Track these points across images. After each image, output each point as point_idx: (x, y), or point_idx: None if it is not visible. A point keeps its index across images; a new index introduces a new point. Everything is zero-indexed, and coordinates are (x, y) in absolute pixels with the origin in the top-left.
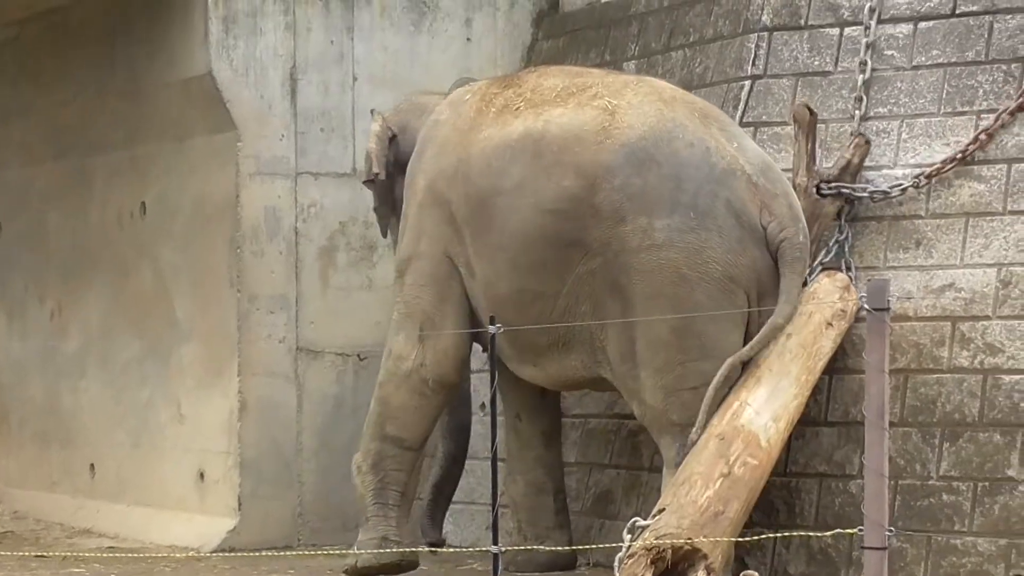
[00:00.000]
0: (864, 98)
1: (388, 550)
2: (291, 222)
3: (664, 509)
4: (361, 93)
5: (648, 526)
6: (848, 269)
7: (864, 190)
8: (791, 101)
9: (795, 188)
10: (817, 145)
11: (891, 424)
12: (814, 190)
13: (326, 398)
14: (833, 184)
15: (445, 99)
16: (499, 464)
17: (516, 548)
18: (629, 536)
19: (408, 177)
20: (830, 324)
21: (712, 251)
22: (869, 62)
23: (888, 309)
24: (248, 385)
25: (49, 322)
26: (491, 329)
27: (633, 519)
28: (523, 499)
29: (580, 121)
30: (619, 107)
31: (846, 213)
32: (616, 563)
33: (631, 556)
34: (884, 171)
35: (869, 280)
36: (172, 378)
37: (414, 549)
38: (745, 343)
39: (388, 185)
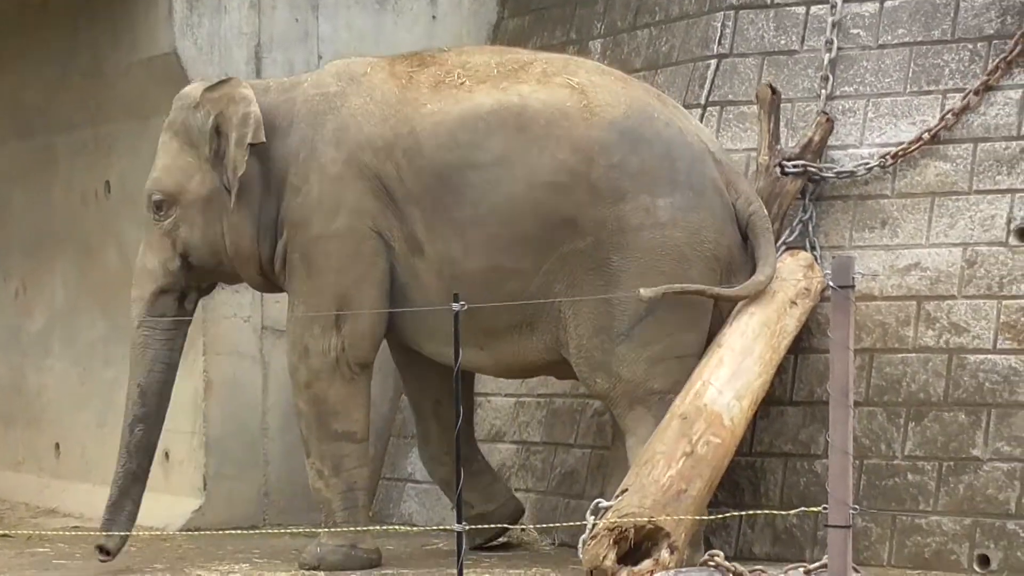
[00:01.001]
0: (830, 77)
1: (357, 556)
2: None
3: (627, 490)
4: None
5: (611, 507)
6: (812, 248)
7: (830, 170)
8: (757, 80)
9: (757, 167)
10: (782, 124)
11: (856, 404)
12: (776, 169)
13: None
14: (798, 163)
15: (325, 74)
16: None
17: (479, 527)
18: (592, 517)
19: (295, 155)
20: (794, 303)
21: (707, 231)
22: (835, 41)
23: (853, 286)
24: (213, 364)
25: (13, 301)
26: (455, 306)
27: (596, 500)
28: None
29: (558, 97)
30: (585, 86)
31: (810, 192)
32: (580, 544)
33: (594, 537)
34: (850, 150)
35: (834, 258)
36: None
37: (377, 548)
38: (719, 310)
39: (218, 165)
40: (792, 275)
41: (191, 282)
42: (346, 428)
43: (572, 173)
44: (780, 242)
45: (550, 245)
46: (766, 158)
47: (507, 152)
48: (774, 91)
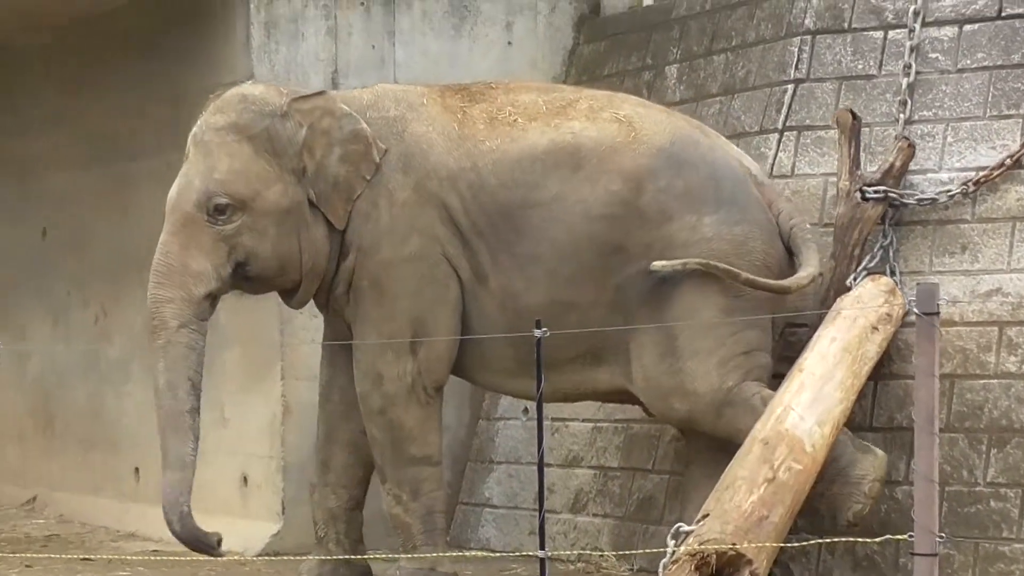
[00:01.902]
0: (908, 102)
1: None
2: None
3: (708, 515)
4: None
5: (692, 531)
6: (893, 273)
7: (911, 196)
8: (834, 105)
9: (838, 191)
10: (861, 149)
11: (938, 430)
12: (857, 194)
13: None
14: (879, 188)
15: (380, 96)
16: (545, 469)
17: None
18: (673, 542)
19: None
20: (875, 328)
21: (754, 242)
22: (913, 65)
23: (938, 313)
24: (291, 389)
25: (93, 327)
26: (536, 333)
27: (677, 525)
28: (343, 512)
29: (608, 132)
30: (632, 117)
31: (890, 217)
32: (660, 569)
33: (675, 562)
34: (929, 175)
35: (917, 284)
36: (215, 382)
37: (456, 572)
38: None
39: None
40: (873, 300)
41: (230, 289)
42: (423, 452)
43: (623, 202)
44: (861, 267)
45: (606, 276)
46: (847, 183)
47: (563, 190)
48: (854, 116)
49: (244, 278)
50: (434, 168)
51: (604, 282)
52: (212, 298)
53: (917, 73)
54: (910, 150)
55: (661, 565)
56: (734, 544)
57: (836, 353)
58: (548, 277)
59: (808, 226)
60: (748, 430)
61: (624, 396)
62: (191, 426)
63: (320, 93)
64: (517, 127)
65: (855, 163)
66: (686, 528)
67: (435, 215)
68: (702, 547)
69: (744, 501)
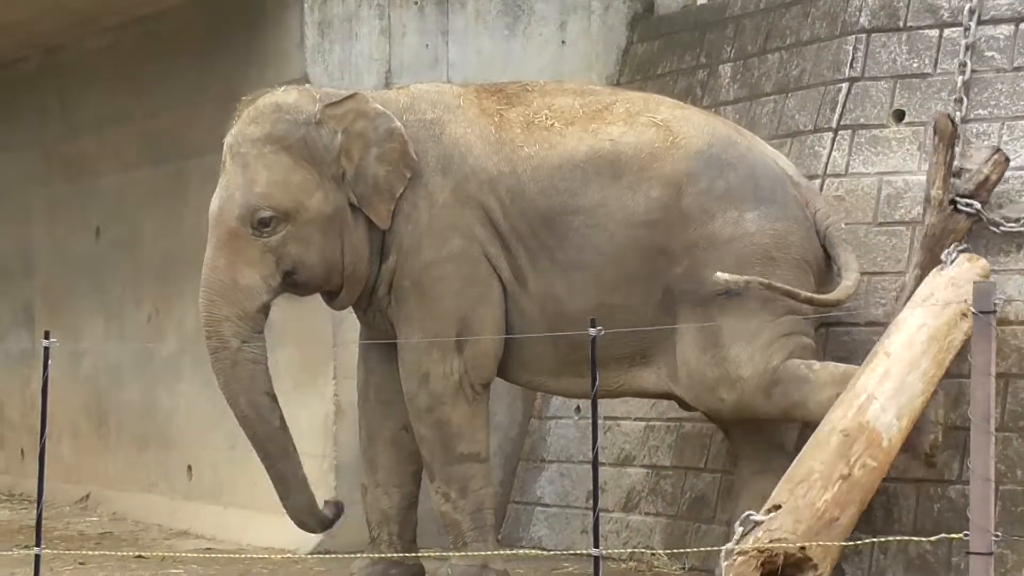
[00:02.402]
0: (964, 99)
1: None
2: None
3: (779, 506)
4: None
5: (762, 523)
6: None
7: (1003, 223)
8: (889, 104)
9: (929, 200)
10: (914, 147)
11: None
12: (949, 205)
13: None
14: (971, 203)
15: (416, 97)
16: (599, 468)
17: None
18: (741, 528)
19: (409, 182)
20: (965, 315)
21: (793, 237)
22: (969, 63)
23: (994, 312)
24: (344, 389)
25: (146, 325)
26: (591, 332)
27: (747, 513)
28: (397, 512)
29: (646, 138)
30: (669, 121)
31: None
32: (723, 554)
33: (742, 554)
34: None
35: (974, 284)
36: None
37: (506, 570)
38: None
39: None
40: (967, 285)
41: (279, 295)
42: (471, 449)
43: (665, 207)
44: (955, 247)
45: (653, 279)
46: (939, 192)
47: (605, 198)
48: (953, 123)
49: (292, 284)
50: (473, 170)
51: (651, 285)
52: (265, 308)
53: (973, 71)
54: (1005, 164)
55: (724, 550)
56: (803, 547)
57: (924, 341)
58: (593, 282)
59: (843, 226)
60: (803, 401)
61: (667, 395)
62: (289, 442)
63: (352, 96)
64: (554, 132)
65: (948, 171)
66: (756, 517)
67: (474, 216)
68: (771, 545)
69: (818, 499)
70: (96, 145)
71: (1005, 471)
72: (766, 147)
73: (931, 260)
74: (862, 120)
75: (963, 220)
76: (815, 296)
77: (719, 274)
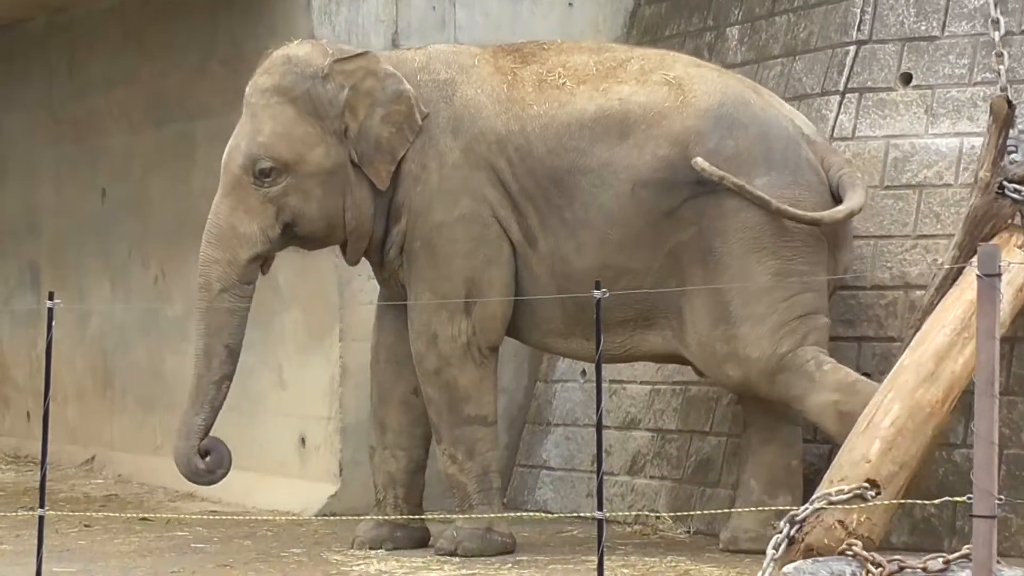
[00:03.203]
0: (1005, 53)
1: (492, 540)
2: None
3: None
4: None
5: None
6: None
7: None
8: (897, 67)
9: (977, 181)
10: (922, 110)
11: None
12: (996, 188)
13: None
14: (1019, 188)
15: (431, 58)
16: (604, 431)
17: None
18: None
19: (418, 144)
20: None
21: (805, 204)
22: (1001, 19)
23: (999, 275)
24: (349, 351)
25: (153, 287)
26: (596, 294)
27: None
28: (403, 475)
29: (657, 97)
30: (682, 79)
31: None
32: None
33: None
34: None
35: (979, 246)
36: (274, 343)
37: (512, 532)
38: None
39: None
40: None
41: (282, 248)
42: (478, 412)
43: (671, 167)
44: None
45: (658, 241)
46: (987, 174)
47: (612, 157)
48: (1011, 105)
49: (294, 237)
50: (482, 132)
51: (656, 247)
52: (261, 260)
53: (979, 36)
54: None
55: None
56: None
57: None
58: (599, 242)
59: (859, 175)
60: (802, 396)
61: (676, 359)
62: (213, 398)
63: (363, 53)
64: (565, 91)
65: (1000, 154)
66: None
67: (484, 178)
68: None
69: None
70: (103, 105)
71: (1010, 435)
72: (783, 106)
73: (971, 242)
74: (869, 83)
75: (1008, 205)
76: (786, 209)
77: (697, 160)
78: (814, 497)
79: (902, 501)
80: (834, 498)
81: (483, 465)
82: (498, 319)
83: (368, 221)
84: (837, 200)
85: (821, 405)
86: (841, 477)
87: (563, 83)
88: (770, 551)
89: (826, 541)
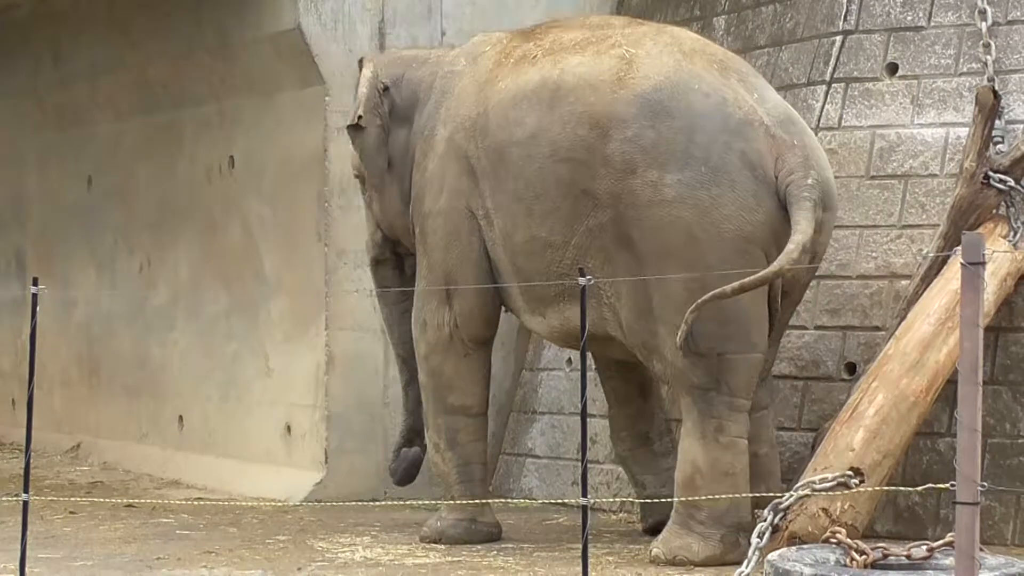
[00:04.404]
0: (991, 44)
1: (477, 530)
2: None
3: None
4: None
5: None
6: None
7: None
8: (883, 57)
9: (962, 171)
10: (907, 101)
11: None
12: (982, 178)
13: None
14: (1004, 179)
15: (462, 50)
16: (589, 419)
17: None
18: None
19: (423, 130)
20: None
21: (724, 208)
22: (989, 9)
23: (983, 263)
24: (335, 339)
25: (138, 275)
26: (581, 281)
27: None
28: (631, 453)
29: (597, 70)
30: (636, 56)
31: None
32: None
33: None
34: None
35: (963, 235)
36: (260, 332)
37: (497, 521)
38: (771, 299)
39: (380, 137)
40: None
41: (399, 251)
42: (461, 402)
43: (588, 148)
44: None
45: (575, 218)
46: (973, 164)
47: (538, 129)
48: (996, 95)
49: (389, 240)
50: (462, 120)
51: (574, 224)
52: (381, 264)
53: (964, 26)
54: None
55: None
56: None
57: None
58: (526, 214)
59: (809, 181)
60: (691, 430)
61: (612, 341)
62: (408, 400)
63: (360, 59)
64: (529, 64)
65: (986, 144)
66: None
67: (459, 168)
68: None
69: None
70: (89, 94)
71: (994, 424)
72: (751, 91)
73: (956, 232)
74: (855, 73)
75: (993, 195)
76: (746, 282)
77: (680, 339)
78: (797, 485)
79: (886, 488)
80: (817, 486)
81: (464, 455)
82: (475, 316)
83: (400, 218)
84: (783, 203)
85: (686, 456)
86: (825, 466)
87: (535, 56)
88: (755, 539)
89: (810, 529)
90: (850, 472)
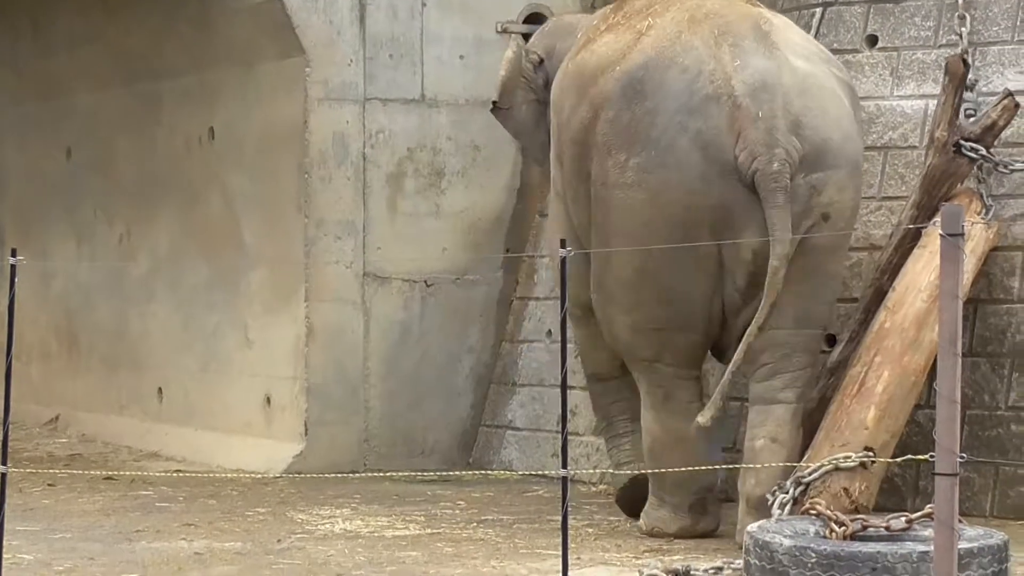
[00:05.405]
0: (967, 16)
1: (625, 472)
2: (359, 148)
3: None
4: (430, 19)
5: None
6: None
7: (1007, 166)
8: (863, 28)
9: (934, 141)
10: (887, 72)
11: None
12: (953, 147)
13: (392, 324)
14: (976, 147)
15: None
16: (568, 391)
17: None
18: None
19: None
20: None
21: (672, 193)
22: None
23: (962, 235)
24: (315, 311)
25: (118, 246)
26: (562, 252)
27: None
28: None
29: (611, 49)
30: (650, 29)
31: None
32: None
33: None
34: None
35: (941, 207)
36: (240, 303)
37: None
38: (727, 280)
39: (538, 110)
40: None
41: None
42: (594, 370)
43: (586, 130)
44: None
45: (584, 197)
46: (944, 134)
47: (571, 111)
48: (966, 65)
49: None
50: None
51: (585, 203)
52: None
53: None
54: (1014, 109)
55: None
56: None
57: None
58: (571, 200)
59: (775, 166)
60: (645, 402)
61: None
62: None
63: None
64: (586, 43)
65: (956, 113)
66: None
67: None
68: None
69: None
70: (68, 64)
71: (972, 396)
72: (736, 58)
73: (929, 201)
74: (835, 45)
75: (965, 164)
76: (761, 320)
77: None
78: (814, 462)
79: (874, 459)
80: (842, 464)
81: (607, 418)
82: (576, 281)
83: None
84: (751, 189)
85: (644, 427)
86: (843, 442)
87: (600, 33)
88: (775, 511)
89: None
90: (868, 451)
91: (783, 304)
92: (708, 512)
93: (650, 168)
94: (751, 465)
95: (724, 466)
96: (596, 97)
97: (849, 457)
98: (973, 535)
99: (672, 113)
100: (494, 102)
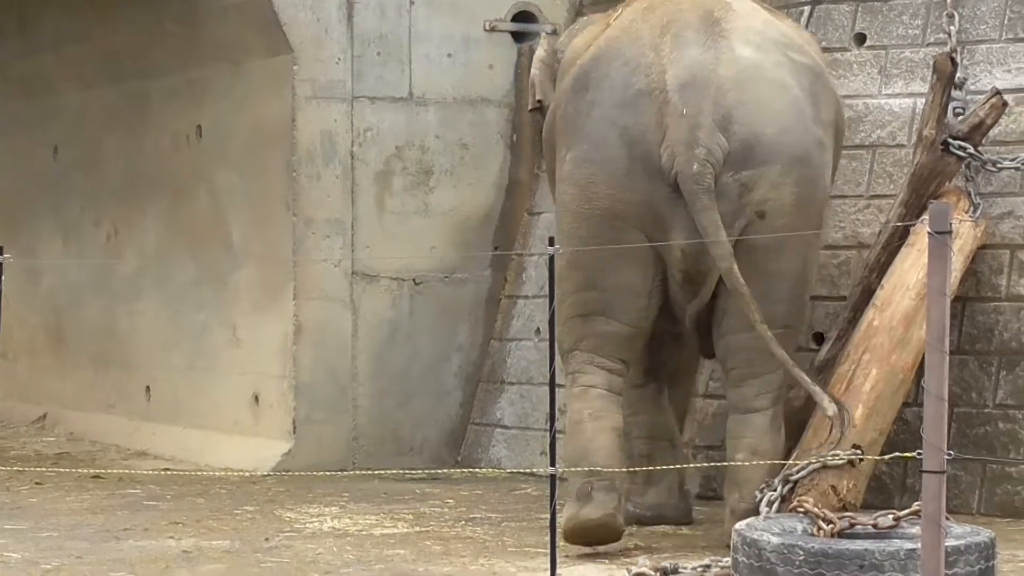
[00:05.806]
0: (955, 15)
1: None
2: (347, 146)
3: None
4: (418, 17)
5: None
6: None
7: (996, 164)
8: (851, 27)
9: (922, 140)
10: (875, 71)
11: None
12: (941, 145)
13: (381, 323)
14: (964, 146)
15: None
16: (556, 389)
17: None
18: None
19: None
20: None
21: (597, 187)
22: None
23: (950, 232)
24: (303, 309)
25: (105, 245)
26: (550, 250)
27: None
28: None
29: (583, 42)
30: (616, 22)
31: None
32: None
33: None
34: None
35: (929, 204)
36: (228, 302)
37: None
38: (669, 275)
39: None
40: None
41: None
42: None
43: (550, 128)
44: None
45: None
46: (932, 132)
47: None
48: (954, 63)
49: None
50: None
51: None
52: None
53: None
54: (1002, 108)
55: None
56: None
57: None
58: None
59: (694, 168)
60: (574, 394)
61: None
62: None
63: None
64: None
65: (944, 112)
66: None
67: None
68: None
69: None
70: (55, 63)
71: (960, 393)
72: (675, 50)
73: (916, 200)
74: (824, 43)
75: (953, 162)
76: (781, 356)
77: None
78: (802, 460)
79: (862, 457)
80: (830, 462)
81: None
82: None
83: None
84: (674, 182)
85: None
86: (831, 441)
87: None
88: (764, 509)
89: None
90: (857, 449)
91: (734, 307)
92: (591, 497)
93: (580, 162)
94: (734, 478)
95: (706, 464)
96: (559, 91)
97: (837, 455)
98: (960, 532)
99: (607, 107)
100: (539, 101)
